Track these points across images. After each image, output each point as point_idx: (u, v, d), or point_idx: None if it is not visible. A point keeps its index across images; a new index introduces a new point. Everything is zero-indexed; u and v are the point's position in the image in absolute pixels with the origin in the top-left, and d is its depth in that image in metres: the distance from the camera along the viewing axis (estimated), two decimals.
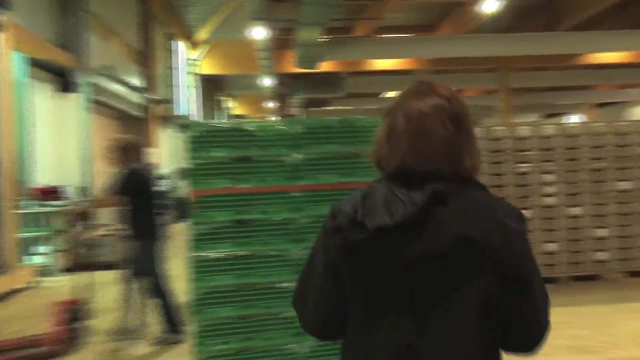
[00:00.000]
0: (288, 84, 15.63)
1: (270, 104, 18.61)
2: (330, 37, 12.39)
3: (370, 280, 0.96)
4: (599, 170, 5.21)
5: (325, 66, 14.35)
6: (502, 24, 12.94)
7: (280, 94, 16.82)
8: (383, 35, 12.83)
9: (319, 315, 1.05)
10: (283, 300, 2.52)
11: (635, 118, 18.26)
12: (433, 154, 0.95)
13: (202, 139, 2.52)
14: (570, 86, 17.85)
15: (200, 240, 2.51)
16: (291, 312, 1.31)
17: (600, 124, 5.48)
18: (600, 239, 5.15)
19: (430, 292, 0.93)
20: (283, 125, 2.64)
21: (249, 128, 2.58)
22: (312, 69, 12.92)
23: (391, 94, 18.81)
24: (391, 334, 0.94)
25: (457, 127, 0.97)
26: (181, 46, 15.31)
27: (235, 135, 2.55)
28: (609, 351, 3.43)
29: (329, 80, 16.00)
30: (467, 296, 0.91)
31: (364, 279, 0.97)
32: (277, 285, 2.56)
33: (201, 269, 2.51)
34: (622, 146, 5.23)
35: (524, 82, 16.14)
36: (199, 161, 2.52)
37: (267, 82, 14.80)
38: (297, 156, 2.59)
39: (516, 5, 12.17)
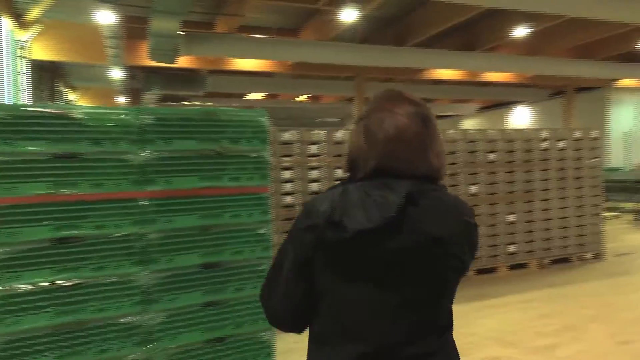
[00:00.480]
0: (141, 78, 14.26)
1: (121, 99, 16.84)
2: (189, 30, 11.56)
3: (345, 270, 1.02)
4: (454, 174, 5.44)
5: (183, 62, 13.40)
6: (358, 35, 13.41)
7: (133, 89, 15.30)
8: (245, 35, 12.34)
9: (288, 306, 1.08)
10: (126, 341, 1.92)
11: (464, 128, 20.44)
12: (408, 156, 1.03)
13: (5, 127, 1.80)
14: None
15: (1, 269, 1.79)
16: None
17: (453, 131, 5.75)
18: None
19: (401, 280, 1.01)
20: (127, 114, 2.03)
21: (78, 115, 1.92)
22: (168, 63, 11.91)
23: (254, 95, 18.42)
24: (364, 315, 1.01)
25: (426, 130, 1.06)
26: (6, 24, 12.91)
27: (58, 124, 1.88)
28: (474, 352, 3.45)
29: (188, 77, 15.01)
30: (431, 284, 1.02)
31: (339, 269, 1.02)
32: (117, 321, 1.95)
33: (3, 308, 1.79)
34: (472, 152, 5.53)
35: (373, 92, 16.97)
36: (1, 158, 1.80)
37: (116, 74, 13.25)
38: (145, 154, 2.02)
39: (371, 18, 12.69)
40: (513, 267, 5.71)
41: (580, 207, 6.03)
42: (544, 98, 19.33)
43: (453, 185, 5.38)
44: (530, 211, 5.77)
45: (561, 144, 5.94)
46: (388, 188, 0.98)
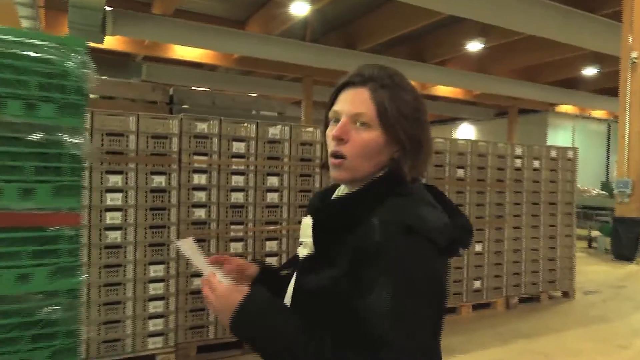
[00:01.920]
0: None
1: None
2: (120, 8, 9.81)
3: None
4: None
5: (116, 44, 11.57)
6: (308, 34, 12.18)
7: None
8: (185, 20, 10.72)
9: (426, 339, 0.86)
10: None
11: None
12: None
13: None
14: None
15: None
16: None
17: None
18: None
19: None
20: None
21: None
22: (94, 42, 10.05)
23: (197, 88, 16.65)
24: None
25: None
26: None
27: None
28: None
29: (121, 62, 13.09)
30: None
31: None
32: None
33: None
34: (438, 165, 4.37)
35: (324, 96, 15.85)
36: None
37: None
38: None
39: (322, 18, 11.52)
40: (477, 307, 4.60)
41: (552, 237, 5.03)
42: (488, 117, 19.00)
43: None
44: (499, 240, 4.69)
45: (536, 164, 4.93)
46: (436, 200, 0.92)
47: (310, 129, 3.72)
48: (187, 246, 0.91)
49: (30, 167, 0.98)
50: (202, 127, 3.30)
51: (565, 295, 5.20)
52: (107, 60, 12.64)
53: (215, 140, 3.34)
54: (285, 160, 3.57)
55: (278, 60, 11.79)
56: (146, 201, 3.11)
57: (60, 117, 1.08)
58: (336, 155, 0.88)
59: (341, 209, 0.87)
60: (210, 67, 14.26)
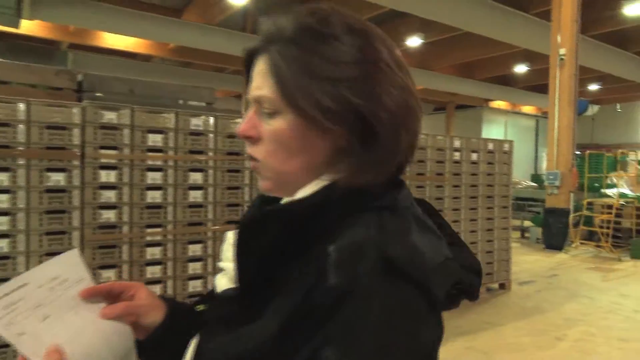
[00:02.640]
0: None
1: None
2: None
3: None
4: None
5: (36, 29, 10.51)
6: (248, 26, 11.69)
7: None
8: (114, 6, 9.89)
9: None
10: None
11: None
12: None
13: None
14: None
15: None
16: None
17: None
18: None
19: None
20: None
21: None
22: (8, 26, 9.04)
23: None
24: None
25: None
26: None
27: None
28: None
29: (43, 50, 11.98)
30: None
31: None
32: None
33: None
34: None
35: None
36: None
37: None
38: None
39: (262, 9, 11.07)
40: None
41: (489, 230, 4.97)
42: (427, 112, 19.34)
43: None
44: None
45: (474, 157, 4.84)
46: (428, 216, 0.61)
47: (239, 120, 3.35)
48: (67, 262, 0.53)
49: None
50: (110, 116, 2.84)
51: (502, 287, 5.18)
52: (28, 48, 11.51)
53: (127, 131, 2.89)
54: (211, 154, 3.19)
55: (218, 51, 11.23)
56: (41, 203, 2.62)
57: None
58: (251, 159, 0.59)
59: (283, 224, 0.53)
60: (145, 58, 13.40)
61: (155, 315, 0.61)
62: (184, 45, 11.16)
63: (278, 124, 0.55)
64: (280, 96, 0.54)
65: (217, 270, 0.65)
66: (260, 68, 0.56)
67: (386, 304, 0.46)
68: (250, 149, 0.58)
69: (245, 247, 0.54)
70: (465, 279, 0.57)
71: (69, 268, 0.53)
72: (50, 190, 2.65)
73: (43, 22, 10.01)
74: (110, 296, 0.59)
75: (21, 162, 2.57)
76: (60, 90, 3.46)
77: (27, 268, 2.59)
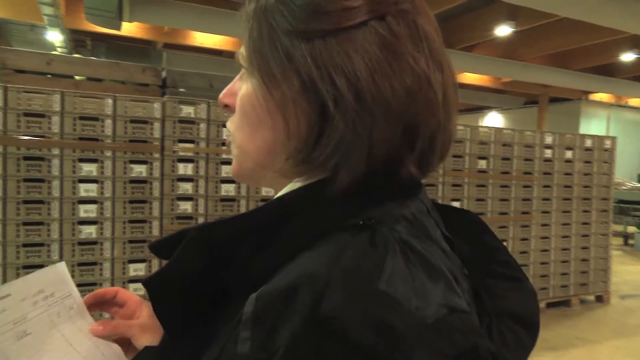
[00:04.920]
0: (87, 45, 12.12)
1: None
2: None
3: None
4: (432, 185, 3.79)
5: (134, 31, 11.36)
6: None
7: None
8: (202, 6, 10.37)
9: None
10: None
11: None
12: None
13: None
14: None
15: None
16: None
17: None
18: None
19: None
20: None
21: None
22: (111, 28, 9.86)
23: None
24: None
25: None
26: None
27: None
28: None
29: (140, 50, 12.94)
30: None
31: None
32: None
33: None
34: (457, 156, 3.89)
35: None
36: None
37: (55, 37, 11.08)
38: None
39: None
40: None
41: (585, 236, 4.49)
42: (517, 106, 18.11)
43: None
44: (525, 239, 4.18)
45: (568, 154, 4.38)
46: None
47: None
48: (53, 276, 0.50)
49: None
50: (188, 110, 2.92)
51: (599, 299, 4.65)
52: (127, 49, 12.50)
53: (203, 125, 2.96)
54: None
55: None
56: (124, 193, 2.77)
57: None
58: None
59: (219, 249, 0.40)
60: (230, 55, 13.94)
61: (150, 338, 0.53)
62: None
63: (245, 88, 0.46)
64: (249, 54, 0.44)
65: None
66: (240, 26, 0.48)
67: None
68: (228, 123, 0.49)
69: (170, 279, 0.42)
70: (482, 344, 0.35)
71: (55, 283, 0.48)
72: (133, 181, 2.79)
73: (141, 24, 10.77)
74: (104, 302, 0.55)
75: (108, 154, 2.72)
76: (147, 86, 3.65)
77: (112, 254, 2.76)
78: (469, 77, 14.73)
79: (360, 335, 0.30)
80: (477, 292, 0.40)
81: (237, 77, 0.49)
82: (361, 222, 0.37)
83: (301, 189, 0.40)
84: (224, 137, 3.01)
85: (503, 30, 11.16)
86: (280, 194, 0.43)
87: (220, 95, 0.49)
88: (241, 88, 0.46)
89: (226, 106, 0.49)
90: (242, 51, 0.46)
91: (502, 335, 0.39)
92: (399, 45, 0.39)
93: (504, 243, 3.78)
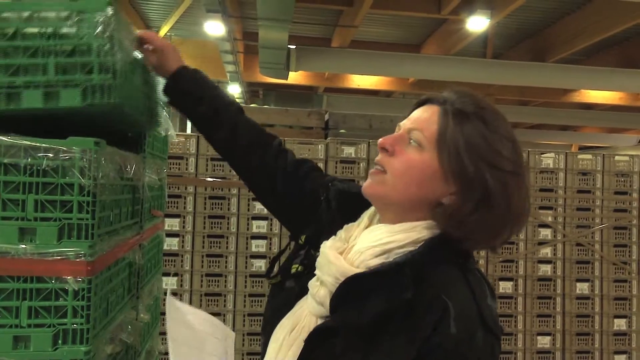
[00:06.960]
0: (260, 95, 13.70)
1: None
2: (302, 45, 10.52)
3: None
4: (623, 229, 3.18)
5: (298, 78, 12.47)
6: (489, 50, 11.16)
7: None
8: (358, 50, 10.89)
9: None
10: None
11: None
12: None
13: None
14: (553, 125, 16.01)
15: None
16: None
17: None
18: None
19: None
20: None
21: None
22: (279, 78, 10.99)
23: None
24: None
25: None
26: None
27: None
28: None
29: (304, 95, 14.11)
30: None
31: None
32: None
33: None
34: None
35: (509, 115, 14.31)
36: None
37: (234, 89, 12.80)
38: None
39: (504, 31, 10.42)
40: None
41: None
42: None
43: (622, 248, 3.12)
44: None
45: None
46: None
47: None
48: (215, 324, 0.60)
49: (31, 199, 0.76)
50: (349, 151, 3.00)
51: None
52: (293, 95, 13.75)
53: (362, 165, 2.99)
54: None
55: (455, 80, 11.07)
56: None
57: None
58: (376, 165, 0.74)
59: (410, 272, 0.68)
60: (386, 94, 14.29)
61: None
62: (422, 78, 11.41)
63: (417, 155, 0.70)
64: (435, 139, 0.70)
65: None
66: (428, 112, 0.73)
67: (486, 352, 0.66)
68: (381, 158, 0.72)
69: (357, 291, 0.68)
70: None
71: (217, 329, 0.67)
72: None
73: (304, 72, 11.78)
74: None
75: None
76: (311, 129, 3.89)
77: (192, 266, 2.85)
78: None
79: (492, 325, 0.67)
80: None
81: (400, 132, 0.74)
82: (464, 264, 0.71)
83: (442, 236, 0.71)
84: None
85: None
86: (427, 236, 0.70)
87: (384, 140, 0.72)
88: (408, 147, 0.72)
89: (385, 149, 0.72)
90: (423, 128, 0.72)
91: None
92: (527, 182, 0.73)
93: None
